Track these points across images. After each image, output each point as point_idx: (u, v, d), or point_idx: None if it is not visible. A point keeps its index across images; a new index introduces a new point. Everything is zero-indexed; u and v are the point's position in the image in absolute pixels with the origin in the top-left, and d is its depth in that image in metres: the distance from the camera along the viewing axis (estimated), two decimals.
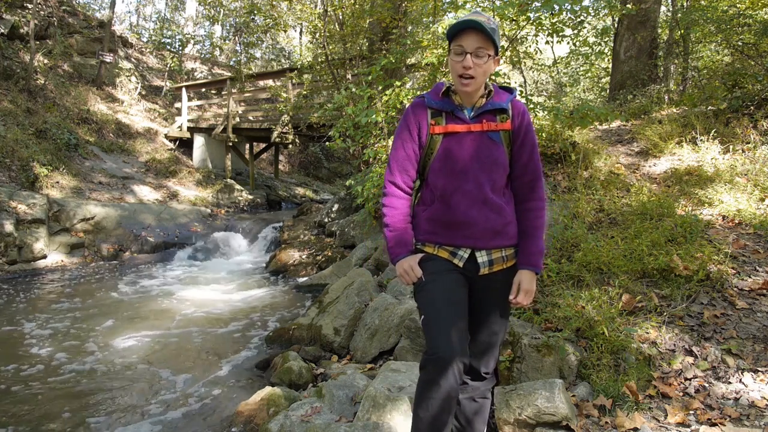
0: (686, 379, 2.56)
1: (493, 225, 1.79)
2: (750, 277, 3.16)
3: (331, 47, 9.40)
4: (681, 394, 2.48)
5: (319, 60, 9.66)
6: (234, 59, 21.20)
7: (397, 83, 5.52)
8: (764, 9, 7.38)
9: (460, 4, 6.12)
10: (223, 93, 14.65)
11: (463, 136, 1.79)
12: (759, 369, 2.52)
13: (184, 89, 13.91)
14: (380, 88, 5.55)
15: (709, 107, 5.93)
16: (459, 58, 1.73)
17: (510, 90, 1.88)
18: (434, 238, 1.85)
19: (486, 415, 2.01)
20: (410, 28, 9.01)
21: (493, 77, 5.46)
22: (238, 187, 12.02)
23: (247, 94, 13.31)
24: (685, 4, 10.11)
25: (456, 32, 1.73)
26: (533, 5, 4.99)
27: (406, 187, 1.88)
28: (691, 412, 2.36)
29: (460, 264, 1.81)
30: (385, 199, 1.89)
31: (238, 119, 12.95)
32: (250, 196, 12.00)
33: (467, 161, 1.77)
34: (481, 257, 1.81)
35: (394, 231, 1.86)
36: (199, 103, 14.83)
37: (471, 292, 1.85)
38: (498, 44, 1.76)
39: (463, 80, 1.73)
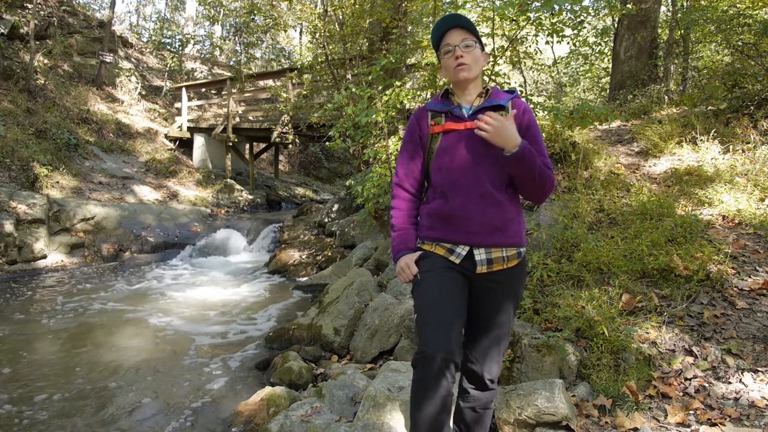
0: (686, 379, 2.56)
1: (491, 219, 1.78)
2: (750, 277, 3.16)
3: (331, 47, 9.40)
4: (681, 394, 2.48)
5: (319, 60, 9.66)
6: (234, 59, 21.21)
7: (397, 83, 5.52)
8: (764, 9, 7.38)
9: (459, 4, 6.12)
10: (223, 93, 14.66)
11: (460, 133, 1.83)
12: (759, 369, 2.52)
13: (184, 89, 13.90)
14: (380, 88, 5.55)
15: (709, 107, 5.92)
16: (449, 54, 1.85)
17: (512, 91, 1.94)
18: (432, 234, 1.86)
19: (487, 424, 1.98)
20: (410, 28, 9.01)
21: (493, 77, 5.46)
22: (238, 187, 12.02)
23: (247, 94, 13.30)
24: (685, 4, 10.11)
25: (440, 35, 1.87)
26: (533, 5, 4.99)
27: (412, 189, 1.95)
28: (691, 412, 2.36)
29: (457, 261, 1.80)
30: (392, 202, 1.97)
31: (238, 119, 12.95)
32: (250, 196, 12.00)
33: (465, 157, 1.81)
34: (479, 255, 1.79)
35: (398, 231, 1.93)
36: (199, 103, 14.83)
37: (471, 292, 1.84)
38: (480, 38, 1.89)
39: (459, 68, 1.83)
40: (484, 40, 4.65)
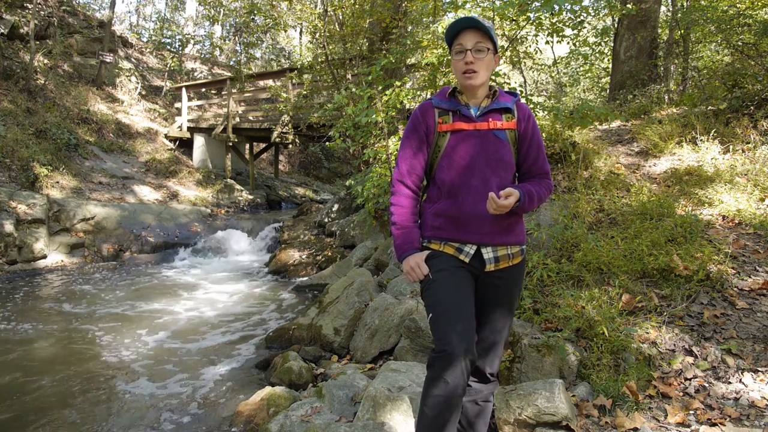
0: (686, 379, 2.56)
1: (499, 220, 1.81)
2: (750, 277, 3.16)
3: (331, 47, 9.40)
4: (681, 394, 2.48)
5: (319, 60, 9.66)
6: (234, 59, 21.21)
7: (397, 83, 5.51)
8: (764, 9, 7.38)
9: (459, 4, 6.12)
10: (223, 93, 14.65)
11: (469, 134, 1.83)
12: (759, 369, 2.52)
13: (184, 89, 13.90)
14: (380, 88, 5.54)
15: (709, 107, 5.92)
16: (460, 56, 1.81)
17: (513, 93, 1.95)
18: (440, 234, 1.86)
19: (488, 418, 2.01)
20: (410, 28, 9.00)
21: (493, 77, 5.46)
22: (238, 187, 12.02)
23: (247, 94, 13.30)
24: (685, 4, 10.11)
25: (455, 33, 1.82)
26: (533, 5, 4.98)
27: (414, 186, 1.92)
28: (691, 412, 2.36)
29: (466, 260, 1.83)
30: (393, 198, 1.93)
31: (238, 119, 12.95)
32: (250, 196, 12.00)
33: (474, 158, 1.81)
34: (487, 254, 1.83)
35: (401, 229, 1.89)
36: (199, 103, 14.83)
37: (476, 289, 1.86)
38: (495, 41, 1.83)
39: (467, 74, 1.80)
40: None
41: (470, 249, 1.83)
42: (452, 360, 1.66)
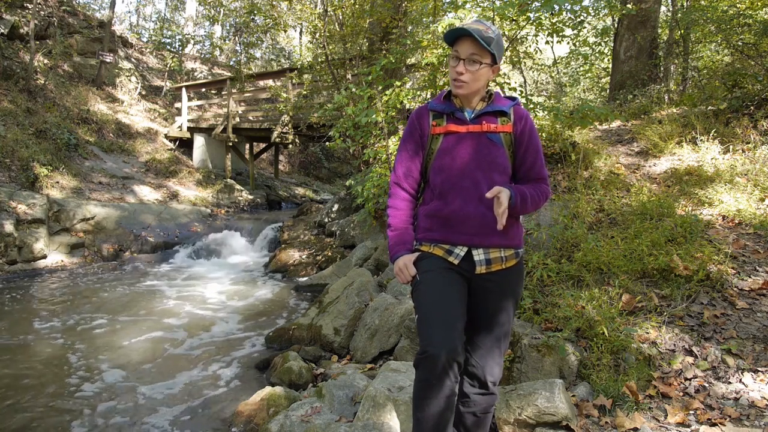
0: (686, 379, 2.56)
1: (490, 222, 1.78)
2: (750, 277, 3.16)
3: (331, 47, 9.40)
4: (681, 394, 2.48)
5: (319, 60, 9.66)
6: (234, 59, 21.20)
7: (397, 83, 5.52)
8: (764, 9, 7.38)
9: (459, 3, 6.12)
10: (223, 93, 14.65)
11: (462, 136, 1.83)
12: (759, 369, 2.52)
13: (184, 89, 13.90)
14: (380, 88, 5.55)
15: (709, 107, 5.92)
16: (454, 63, 1.80)
17: (513, 98, 1.94)
18: (430, 236, 1.86)
19: (487, 427, 1.98)
20: (410, 28, 9.00)
21: (493, 78, 5.45)
22: (238, 187, 12.02)
23: (247, 94, 13.30)
24: (685, 4, 10.11)
25: (452, 40, 1.80)
26: (533, 5, 4.99)
27: (410, 189, 1.93)
28: (691, 412, 2.36)
29: (456, 262, 1.81)
30: (390, 201, 1.95)
31: (238, 119, 12.95)
32: (250, 196, 12.00)
33: (465, 160, 1.80)
34: (478, 255, 1.80)
35: (395, 231, 1.90)
36: (199, 103, 14.83)
37: (470, 293, 1.84)
38: (497, 53, 1.78)
39: (456, 83, 1.80)
40: None
41: (460, 251, 1.81)
42: (435, 362, 1.65)
